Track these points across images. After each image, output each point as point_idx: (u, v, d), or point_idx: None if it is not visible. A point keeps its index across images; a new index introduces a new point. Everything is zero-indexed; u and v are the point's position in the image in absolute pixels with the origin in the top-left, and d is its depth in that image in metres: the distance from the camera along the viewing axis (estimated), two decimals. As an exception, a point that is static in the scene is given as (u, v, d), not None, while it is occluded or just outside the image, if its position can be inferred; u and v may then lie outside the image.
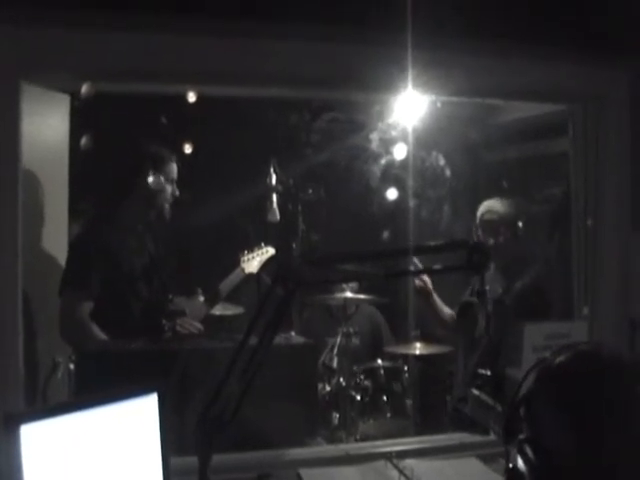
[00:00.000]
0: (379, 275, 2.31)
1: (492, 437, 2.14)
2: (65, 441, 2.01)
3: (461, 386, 2.23)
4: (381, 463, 2.96)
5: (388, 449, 3.07)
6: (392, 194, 5.44)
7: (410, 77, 2.95)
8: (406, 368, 4.72)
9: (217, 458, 2.23)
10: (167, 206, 3.85)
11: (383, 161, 5.19)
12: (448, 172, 5.36)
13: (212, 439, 2.20)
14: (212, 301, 4.16)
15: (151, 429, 2.28)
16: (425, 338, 4.75)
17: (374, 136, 5.03)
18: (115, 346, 3.38)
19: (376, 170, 5.29)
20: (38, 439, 1.93)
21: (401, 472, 2.83)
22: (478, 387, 2.18)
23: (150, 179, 3.76)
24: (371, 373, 4.66)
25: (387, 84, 3.08)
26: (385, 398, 4.60)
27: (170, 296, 3.92)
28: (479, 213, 4.51)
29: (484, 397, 2.14)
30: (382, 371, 4.70)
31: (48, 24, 2.61)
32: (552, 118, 3.86)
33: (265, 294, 2.25)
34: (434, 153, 5.23)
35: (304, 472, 2.88)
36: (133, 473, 2.21)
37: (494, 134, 5.20)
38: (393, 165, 5.17)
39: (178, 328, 3.72)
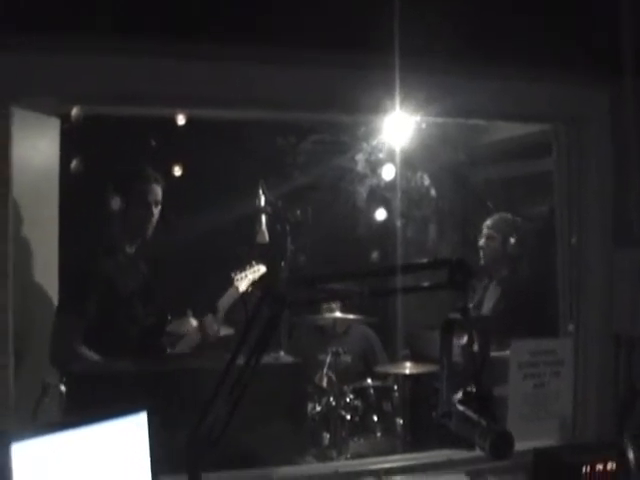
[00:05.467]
0: (364, 293, 2.33)
1: (478, 452, 2.15)
2: (56, 460, 2.02)
3: (445, 402, 2.25)
4: (370, 480, 2.99)
5: (377, 466, 3.10)
6: (379, 214, 5.49)
7: (398, 99, 2.99)
8: (396, 387, 4.74)
9: (207, 477, 2.25)
10: (148, 227, 3.82)
11: (369, 182, 5.23)
12: (433, 192, 5.41)
13: (201, 458, 2.22)
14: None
15: (141, 448, 2.30)
16: (415, 357, 4.77)
17: (360, 157, 5.07)
18: (105, 367, 3.40)
19: (362, 191, 5.33)
20: (29, 457, 1.94)
21: (389, 489, 2.86)
22: (463, 403, 2.21)
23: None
24: (361, 393, 4.68)
25: (374, 106, 3.10)
26: (375, 417, 4.62)
27: (168, 318, 3.93)
28: (484, 225, 4.65)
29: (469, 413, 2.16)
30: (372, 390, 4.72)
31: (37, 49, 2.63)
32: (537, 137, 3.90)
33: (252, 314, 2.27)
34: (419, 173, 5.27)
35: (293, 490, 2.89)
36: (123, 492, 2.23)
37: (480, 154, 5.25)
38: (379, 186, 5.22)
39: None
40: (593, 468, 2.96)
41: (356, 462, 3.55)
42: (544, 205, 4.33)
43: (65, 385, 3.49)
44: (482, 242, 4.86)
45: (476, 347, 2.24)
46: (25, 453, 1.93)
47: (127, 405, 2.30)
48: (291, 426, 3.31)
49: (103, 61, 2.74)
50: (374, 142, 4.77)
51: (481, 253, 4.85)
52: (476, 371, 2.21)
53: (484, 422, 2.09)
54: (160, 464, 2.37)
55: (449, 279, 2.17)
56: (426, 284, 2.29)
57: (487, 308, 4.71)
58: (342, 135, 4.94)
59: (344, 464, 3.63)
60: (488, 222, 4.89)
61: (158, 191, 3.81)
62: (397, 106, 3.02)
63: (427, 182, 5.32)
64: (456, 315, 2.19)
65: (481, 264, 4.82)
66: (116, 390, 2.95)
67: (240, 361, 2.20)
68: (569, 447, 3.23)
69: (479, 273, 4.82)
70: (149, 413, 2.33)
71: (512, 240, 4.73)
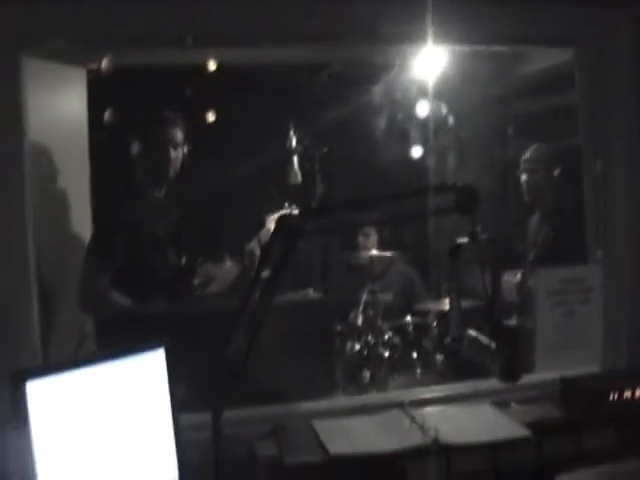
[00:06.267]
0: (378, 220, 2.33)
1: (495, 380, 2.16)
2: (72, 397, 2.05)
3: (456, 327, 2.25)
4: (395, 412, 2.99)
5: (403, 398, 3.11)
6: (412, 149, 5.45)
7: (429, 29, 2.95)
8: (435, 324, 4.71)
9: (231, 412, 2.27)
10: (169, 169, 3.77)
11: (401, 116, 5.19)
12: (451, 121, 5.36)
13: (223, 393, 2.23)
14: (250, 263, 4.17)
15: (159, 384, 2.32)
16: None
17: (382, 90, 5.02)
18: (134, 310, 3.42)
19: (383, 123, 5.29)
20: (45, 395, 1.97)
21: (412, 420, 2.86)
22: (475, 328, 2.21)
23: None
24: (400, 330, 4.67)
25: (406, 37, 3.11)
26: (415, 354, 4.61)
27: (200, 260, 3.95)
28: (524, 160, 4.64)
29: (480, 337, 2.17)
30: (411, 328, 4.71)
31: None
32: (562, 69, 3.83)
33: (266, 248, 2.28)
34: (436, 102, 5.20)
35: (317, 423, 2.90)
36: (143, 429, 2.25)
37: (514, 86, 5.18)
38: (411, 120, 5.18)
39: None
40: (621, 395, 2.94)
41: (382, 395, 3.58)
42: (574, 136, 4.24)
43: (95, 329, 3.53)
44: (525, 177, 4.73)
45: (488, 273, 2.23)
46: (41, 391, 1.97)
47: (143, 342, 2.32)
48: (318, 364, 3.31)
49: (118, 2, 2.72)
50: (404, 75, 4.69)
51: (524, 188, 4.75)
52: (488, 297, 2.21)
53: (494, 345, 2.10)
54: (185, 404, 2.41)
55: (456, 204, 2.16)
56: (433, 209, 2.26)
57: (540, 241, 4.65)
58: (372, 68, 4.86)
59: (370, 397, 3.62)
60: (527, 156, 4.75)
61: (177, 133, 3.77)
62: (428, 36, 2.99)
63: (445, 111, 5.25)
64: (464, 240, 2.18)
65: (525, 199, 4.74)
66: (146, 333, 2.98)
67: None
68: (597, 375, 3.21)
69: (524, 208, 4.77)
70: (166, 349, 2.35)
71: (556, 172, 4.64)
